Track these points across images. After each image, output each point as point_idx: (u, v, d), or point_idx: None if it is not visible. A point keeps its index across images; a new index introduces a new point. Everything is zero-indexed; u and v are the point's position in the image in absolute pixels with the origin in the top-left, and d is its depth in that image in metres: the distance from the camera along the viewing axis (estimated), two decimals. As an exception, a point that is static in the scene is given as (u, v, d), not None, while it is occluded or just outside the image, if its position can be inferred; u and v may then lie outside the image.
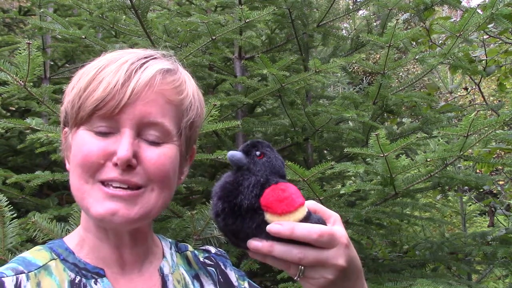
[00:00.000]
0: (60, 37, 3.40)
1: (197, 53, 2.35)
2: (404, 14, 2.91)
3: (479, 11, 2.29)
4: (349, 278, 0.72)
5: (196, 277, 0.93)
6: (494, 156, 3.36)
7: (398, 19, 2.18)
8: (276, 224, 0.67)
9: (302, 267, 0.69)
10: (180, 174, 0.88)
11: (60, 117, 0.88)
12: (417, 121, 3.24)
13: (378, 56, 8.65)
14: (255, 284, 1.01)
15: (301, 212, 0.70)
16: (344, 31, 3.56)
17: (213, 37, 2.26)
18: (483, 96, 3.69)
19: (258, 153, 0.73)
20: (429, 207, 2.88)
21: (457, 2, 2.71)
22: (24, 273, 0.77)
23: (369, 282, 2.11)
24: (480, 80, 3.70)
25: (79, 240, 0.85)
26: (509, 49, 3.50)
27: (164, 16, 2.90)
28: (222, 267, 0.99)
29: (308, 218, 0.71)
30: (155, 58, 0.82)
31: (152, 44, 2.25)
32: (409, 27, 4.03)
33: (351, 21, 3.26)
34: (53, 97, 2.40)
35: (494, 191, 4.73)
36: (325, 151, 3.20)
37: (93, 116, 0.76)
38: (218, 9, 3.28)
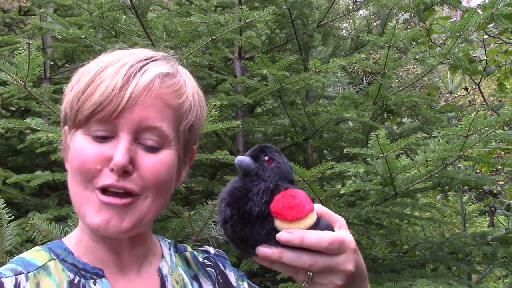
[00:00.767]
0: (60, 37, 3.40)
1: (197, 53, 2.35)
2: (404, 14, 2.91)
3: (479, 11, 2.29)
4: (356, 282, 0.73)
5: (195, 277, 0.93)
6: (494, 156, 3.36)
7: (398, 19, 2.18)
8: (286, 233, 0.67)
9: (311, 273, 0.69)
10: (178, 177, 0.87)
11: (60, 115, 0.87)
12: (417, 121, 3.24)
13: (378, 56, 8.65)
14: (254, 285, 1.01)
15: (311, 219, 0.70)
16: (344, 31, 3.56)
17: (213, 37, 2.26)
18: (483, 96, 3.69)
19: (266, 158, 0.72)
20: (429, 207, 2.88)
21: (457, 2, 2.71)
22: (23, 273, 0.77)
23: (369, 282, 2.11)
24: (480, 80, 3.70)
25: (77, 240, 0.85)
26: (509, 49, 3.50)
27: (164, 16, 2.90)
28: (222, 267, 0.99)
29: (318, 224, 0.71)
30: (155, 60, 0.81)
31: (152, 44, 2.25)
32: (409, 27, 4.03)
33: (351, 21, 3.26)
34: (53, 97, 2.40)
35: (494, 191, 4.73)
36: (325, 151, 3.20)
37: (90, 119, 0.76)
38: (218, 9, 3.28)
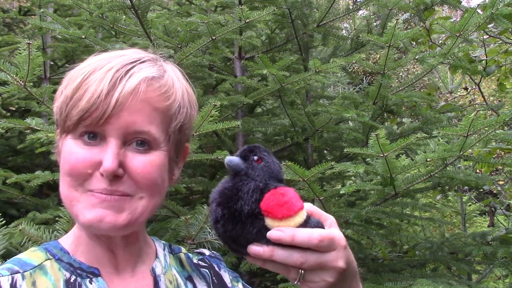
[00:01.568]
0: (60, 37, 3.40)
1: (197, 53, 2.35)
2: (404, 14, 2.91)
3: (479, 11, 2.29)
4: (347, 278, 0.73)
5: (189, 278, 0.94)
6: (494, 156, 3.36)
7: (398, 19, 2.18)
8: (277, 231, 0.68)
9: (303, 271, 0.69)
10: (171, 176, 0.88)
11: (54, 118, 0.88)
12: (417, 121, 3.24)
13: (378, 56, 8.66)
14: (248, 286, 1.01)
15: (301, 216, 0.70)
16: (344, 31, 3.56)
17: (213, 37, 2.26)
18: (483, 96, 3.69)
19: (256, 157, 0.73)
20: (429, 207, 2.88)
21: (457, 2, 2.71)
22: (20, 272, 0.77)
23: (369, 282, 2.11)
24: (480, 80, 3.70)
25: (73, 240, 0.85)
26: (509, 49, 3.50)
27: (164, 16, 2.90)
28: (216, 268, 1.00)
29: (308, 221, 0.71)
30: (142, 62, 0.80)
31: (152, 44, 2.25)
32: (409, 27, 4.03)
33: (351, 21, 3.25)
34: (53, 97, 2.40)
35: (494, 191, 4.73)
36: (325, 151, 3.20)
37: (78, 125, 0.76)
38: (218, 9, 3.28)
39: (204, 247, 1.62)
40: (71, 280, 0.79)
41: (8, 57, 3.41)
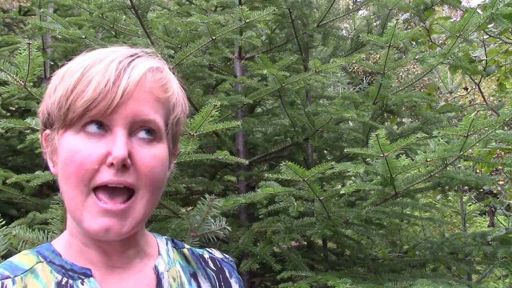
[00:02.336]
0: (60, 37, 3.40)
1: (197, 53, 2.35)
2: (404, 14, 2.91)
3: (479, 11, 2.29)
4: None
5: (193, 275, 0.92)
6: (494, 156, 3.36)
7: (398, 19, 2.18)
8: None
9: None
10: (168, 170, 0.88)
11: (39, 119, 0.85)
12: (417, 121, 3.24)
13: (378, 56, 8.65)
14: None
15: None
16: (344, 31, 3.57)
17: (213, 37, 2.26)
18: (483, 96, 3.69)
19: None
20: (429, 207, 2.88)
21: (457, 2, 2.71)
22: (10, 277, 0.77)
23: (369, 282, 2.11)
24: (480, 80, 3.70)
25: (66, 244, 0.85)
26: (509, 49, 3.50)
27: (164, 16, 2.90)
28: (227, 274, 0.98)
29: None
30: (139, 56, 0.81)
31: (152, 44, 2.24)
32: (409, 27, 4.03)
33: (351, 21, 3.26)
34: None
35: (494, 191, 4.73)
36: (325, 151, 3.20)
37: (83, 117, 0.75)
38: (218, 9, 3.28)
39: (208, 239, 1.60)
40: (63, 283, 0.79)
41: (8, 57, 3.41)
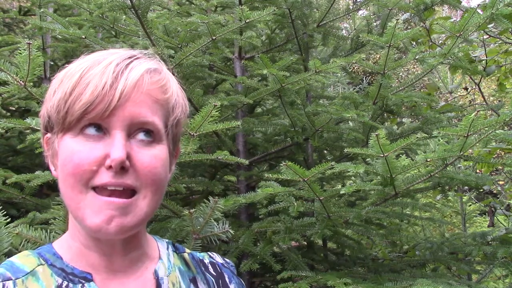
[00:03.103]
0: (60, 37, 3.40)
1: (197, 53, 2.35)
2: (404, 14, 2.91)
3: (479, 11, 2.29)
4: None
5: (193, 280, 0.92)
6: (494, 156, 3.36)
7: (398, 19, 2.18)
8: None
9: None
10: (169, 172, 0.87)
11: (41, 123, 0.85)
12: (417, 121, 3.24)
13: (378, 56, 8.66)
14: None
15: None
16: (344, 31, 3.57)
17: (213, 37, 2.26)
18: (483, 96, 3.69)
19: None
20: (429, 207, 2.88)
21: (457, 2, 2.71)
22: (11, 279, 0.77)
23: (369, 282, 2.11)
24: (480, 80, 3.70)
25: (67, 247, 0.84)
26: (509, 49, 3.50)
27: (164, 16, 2.90)
28: (226, 280, 0.97)
29: None
30: (137, 58, 0.81)
31: (152, 44, 2.25)
32: (409, 27, 4.03)
33: (351, 21, 3.26)
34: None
35: (494, 191, 4.73)
36: (325, 151, 3.20)
37: (81, 120, 0.75)
38: (218, 9, 3.28)
39: (211, 241, 1.59)
40: (63, 286, 0.79)
41: (8, 57, 3.41)
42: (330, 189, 2.65)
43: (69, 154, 0.76)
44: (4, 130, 2.94)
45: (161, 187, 0.81)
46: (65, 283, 0.79)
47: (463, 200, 4.39)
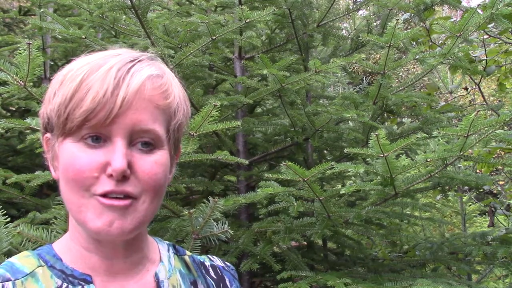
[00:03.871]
0: (60, 37, 3.40)
1: (197, 53, 2.35)
2: (404, 14, 2.90)
3: (479, 11, 2.29)
4: None
5: (193, 283, 0.92)
6: (494, 156, 3.36)
7: (398, 19, 2.18)
8: None
9: None
10: (169, 174, 0.87)
11: (40, 122, 0.84)
12: (417, 121, 3.24)
13: (378, 56, 8.66)
14: None
15: None
16: (344, 31, 3.56)
17: (213, 37, 2.26)
18: (483, 96, 3.69)
19: None
20: (429, 207, 2.88)
21: (457, 2, 2.71)
22: (11, 280, 0.77)
23: (369, 282, 2.11)
24: (480, 80, 3.70)
25: (67, 249, 0.84)
26: (509, 49, 3.50)
27: (164, 16, 2.90)
28: (227, 283, 0.97)
29: None
30: (140, 61, 0.80)
31: (152, 44, 2.25)
32: (409, 27, 4.04)
33: (351, 21, 3.26)
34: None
35: (494, 191, 4.73)
36: (325, 151, 3.20)
37: (82, 127, 0.74)
38: (218, 9, 3.28)
39: (210, 241, 1.60)
40: None
41: (8, 57, 3.41)
42: (330, 189, 2.64)
43: (70, 159, 0.75)
44: (4, 130, 2.94)
45: (160, 192, 0.80)
46: (64, 284, 0.79)
47: (463, 200, 4.39)
